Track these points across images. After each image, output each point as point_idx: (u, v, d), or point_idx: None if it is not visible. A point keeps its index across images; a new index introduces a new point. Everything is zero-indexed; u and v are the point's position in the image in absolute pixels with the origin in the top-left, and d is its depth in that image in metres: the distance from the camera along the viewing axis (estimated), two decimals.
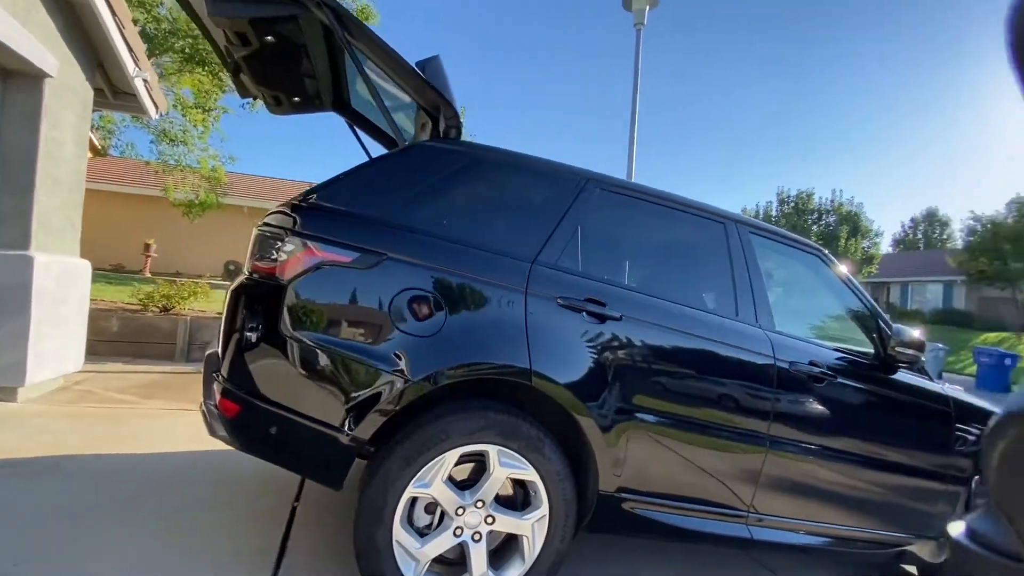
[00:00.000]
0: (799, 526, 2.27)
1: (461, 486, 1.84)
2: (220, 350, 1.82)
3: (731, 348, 2.15)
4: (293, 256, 1.72)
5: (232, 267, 16.67)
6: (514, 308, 1.86)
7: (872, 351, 2.51)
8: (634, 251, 2.24)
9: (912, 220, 39.43)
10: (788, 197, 26.51)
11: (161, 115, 4.86)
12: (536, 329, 1.85)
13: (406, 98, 2.39)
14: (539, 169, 2.12)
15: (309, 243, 1.72)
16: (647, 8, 8.83)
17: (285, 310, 1.69)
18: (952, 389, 2.73)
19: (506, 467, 1.82)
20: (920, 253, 34.78)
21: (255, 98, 2.99)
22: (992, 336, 20.36)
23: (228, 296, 1.88)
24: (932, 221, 38.04)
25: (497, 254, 1.91)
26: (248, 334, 1.73)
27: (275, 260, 1.74)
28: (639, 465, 1.98)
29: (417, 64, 2.08)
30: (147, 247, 13.04)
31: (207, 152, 9.37)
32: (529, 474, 1.85)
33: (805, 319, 2.63)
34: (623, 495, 1.97)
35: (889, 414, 2.45)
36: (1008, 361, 11.95)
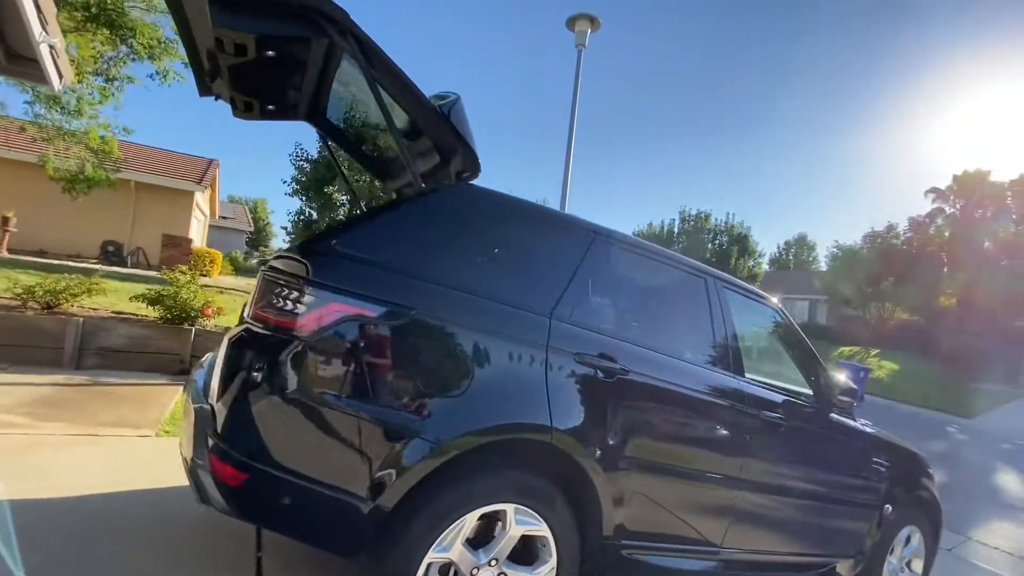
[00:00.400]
0: (758, 557, 2.52)
1: (474, 545, 1.82)
2: (218, 407, 1.63)
3: (713, 397, 2.34)
4: (315, 310, 1.58)
5: (111, 248, 14.65)
6: (536, 365, 1.87)
7: (811, 392, 2.85)
8: (631, 303, 2.34)
9: (786, 243, 44.78)
10: (689, 216, 28.91)
11: (65, 87, 4.13)
12: (556, 386, 1.88)
13: (398, 120, 2.29)
14: (556, 221, 2.15)
15: (334, 297, 1.60)
16: (588, 31, 9.15)
17: (303, 369, 1.56)
18: (866, 424, 3.18)
19: (522, 524, 1.83)
20: (791, 273, 39.61)
21: (216, 98, 2.69)
22: (847, 349, 23.78)
23: (226, 347, 1.69)
24: (802, 245, 43.49)
25: (520, 308, 1.91)
26: (256, 394, 1.57)
27: (291, 313, 1.60)
28: (638, 511, 2.09)
29: (438, 102, 2.01)
30: (5, 221, 11.06)
31: (96, 120, 8.11)
32: (541, 529, 1.87)
33: (764, 366, 2.91)
34: (622, 541, 2.07)
35: (830, 452, 2.81)
36: (862, 373, 14.03)
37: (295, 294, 1.61)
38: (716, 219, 28.02)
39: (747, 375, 2.54)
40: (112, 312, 5.86)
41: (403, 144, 1.95)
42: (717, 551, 2.38)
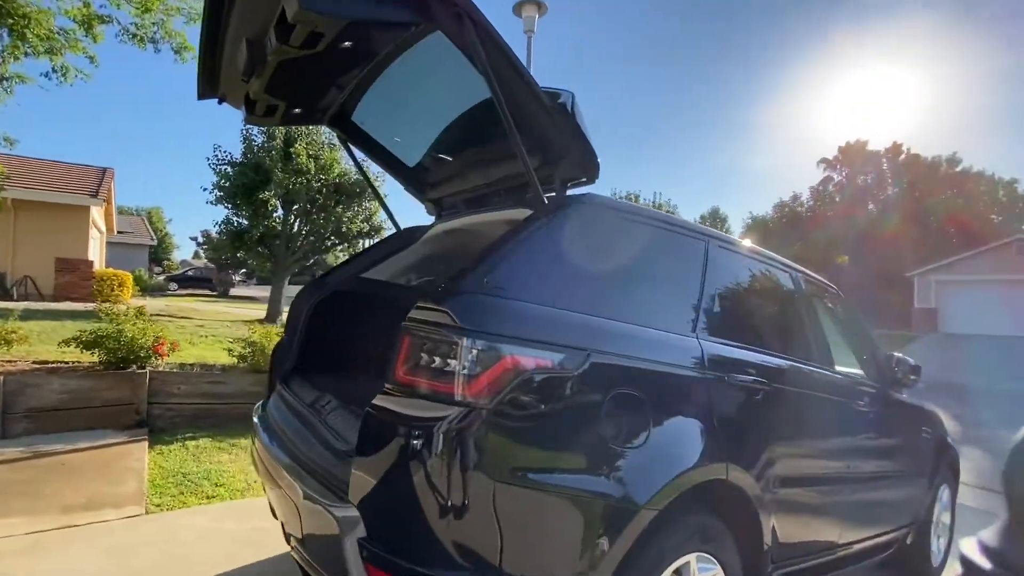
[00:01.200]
0: (862, 545, 2.52)
1: None
2: (370, 505, 1.26)
3: (826, 396, 2.28)
4: (488, 368, 1.26)
5: None
6: (700, 394, 1.67)
7: (868, 373, 2.89)
8: (744, 308, 2.19)
9: (701, 217, 47.74)
10: (620, 197, 29.75)
11: None
12: (719, 415, 1.69)
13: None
14: (677, 227, 1.93)
15: (508, 348, 1.29)
16: (537, 16, 8.94)
17: (483, 442, 1.24)
18: (908, 397, 3.31)
19: (703, 572, 1.64)
20: None
21: (220, 100, 2.18)
22: None
23: (369, 429, 1.31)
24: (715, 218, 46.60)
25: (671, 332, 1.69)
26: (425, 481, 1.22)
27: (456, 374, 1.26)
28: (785, 528, 1.96)
29: (552, 97, 1.72)
30: None
31: None
32: (717, 572, 1.69)
33: (841, 353, 2.91)
34: (775, 562, 1.94)
35: (899, 429, 2.87)
36: None
37: (454, 349, 1.27)
38: (644, 199, 29.10)
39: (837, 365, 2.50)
40: (34, 363, 4.87)
41: (521, 147, 1.63)
42: (835, 549, 2.33)
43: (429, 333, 1.30)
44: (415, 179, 2.70)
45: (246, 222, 11.20)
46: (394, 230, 2.83)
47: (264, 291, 29.47)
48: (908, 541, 3.03)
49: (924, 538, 3.14)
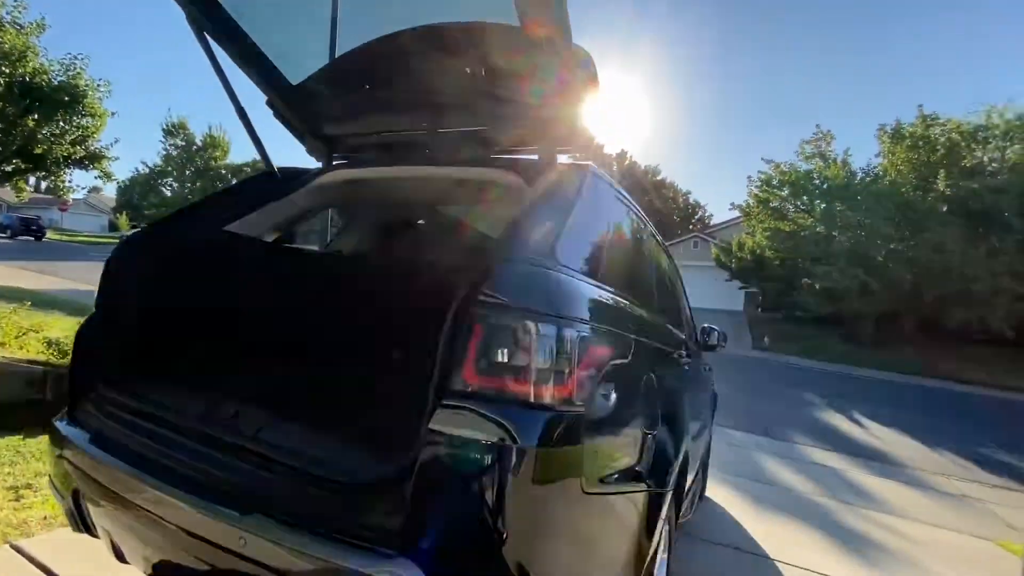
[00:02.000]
0: (697, 483, 3.08)
1: None
2: (447, 567, 0.93)
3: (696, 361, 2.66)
4: (584, 359, 1.06)
5: None
6: (674, 368, 1.76)
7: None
8: (664, 288, 2.34)
9: None
10: None
11: None
12: (676, 385, 1.82)
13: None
14: (631, 204, 1.93)
15: (594, 335, 1.10)
16: None
17: (584, 454, 1.06)
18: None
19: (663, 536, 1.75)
20: None
21: None
22: None
23: (435, 458, 0.95)
24: None
25: (650, 312, 1.72)
26: (532, 517, 0.96)
27: (550, 372, 1.00)
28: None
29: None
30: None
31: None
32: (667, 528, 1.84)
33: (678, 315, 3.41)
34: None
35: (707, 381, 3.57)
36: None
37: (548, 341, 1.00)
38: None
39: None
40: None
41: (547, 97, 1.38)
42: (691, 488, 2.79)
43: (509, 322, 1.00)
44: (299, 104, 2.04)
45: None
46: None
47: None
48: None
49: (705, 468, 4.05)
